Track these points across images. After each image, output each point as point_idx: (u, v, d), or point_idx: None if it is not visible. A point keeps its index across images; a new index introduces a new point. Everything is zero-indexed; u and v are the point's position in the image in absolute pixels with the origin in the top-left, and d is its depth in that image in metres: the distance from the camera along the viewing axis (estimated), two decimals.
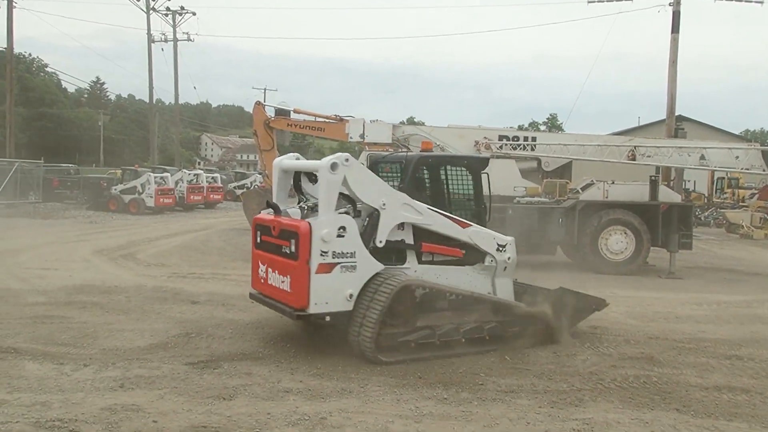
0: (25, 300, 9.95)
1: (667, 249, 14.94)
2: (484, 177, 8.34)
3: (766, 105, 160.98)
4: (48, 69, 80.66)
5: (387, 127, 17.38)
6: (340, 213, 7.11)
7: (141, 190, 28.96)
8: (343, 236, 6.88)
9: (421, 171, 8.29)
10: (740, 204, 31.83)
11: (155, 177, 29.44)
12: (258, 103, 19.63)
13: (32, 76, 72.55)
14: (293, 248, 6.89)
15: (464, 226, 7.71)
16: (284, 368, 6.86)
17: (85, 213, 27.84)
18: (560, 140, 17.02)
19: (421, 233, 7.54)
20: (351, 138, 17.85)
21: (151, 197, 28.85)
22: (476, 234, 7.78)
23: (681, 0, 23.71)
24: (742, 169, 15.63)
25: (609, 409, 5.93)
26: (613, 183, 15.60)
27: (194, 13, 45.25)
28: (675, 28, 23.64)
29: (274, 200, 7.79)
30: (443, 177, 8.39)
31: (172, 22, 44.68)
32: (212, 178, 36.90)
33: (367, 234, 7.21)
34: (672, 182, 21.29)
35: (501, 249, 7.88)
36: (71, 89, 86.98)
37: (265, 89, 66.66)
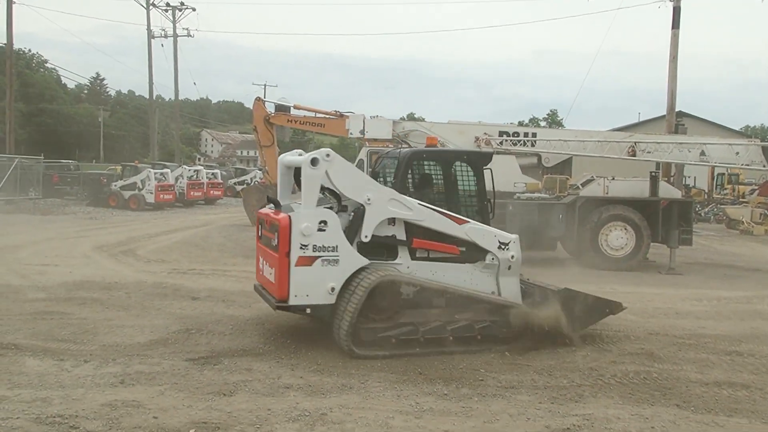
0: (25, 296, 9.95)
1: (667, 245, 14.95)
2: (486, 173, 8.11)
3: (767, 101, 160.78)
4: (48, 65, 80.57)
5: (387, 123, 17.34)
6: (325, 208, 7.25)
7: (141, 186, 28.96)
8: (324, 230, 7.02)
9: (414, 167, 8.10)
10: (740, 200, 31.82)
11: (155, 173, 29.44)
12: (258, 99, 19.58)
13: (32, 72, 72.36)
14: (275, 241, 7.11)
15: (460, 222, 7.52)
16: (285, 364, 6.86)
17: (85, 209, 27.85)
18: (560, 136, 17.00)
19: (415, 229, 7.46)
20: (351, 134, 17.80)
21: (151, 193, 28.85)
22: (474, 231, 7.57)
23: None
24: (742, 165, 15.63)
25: (609, 405, 5.93)
26: (613, 179, 15.58)
27: (194, 9, 45.05)
28: (675, 24, 23.57)
29: (279, 196, 7.89)
30: (440, 173, 8.27)
31: (171, 18, 44.67)
32: (212, 174, 36.88)
33: (353, 229, 7.30)
34: (672, 178, 21.32)
35: (503, 247, 7.63)
36: (71, 85, 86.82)
37: (265, 85, 66.77)
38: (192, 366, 6.73)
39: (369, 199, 7.24)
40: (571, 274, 12.23)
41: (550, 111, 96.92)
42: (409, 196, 7.56)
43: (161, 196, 29.32)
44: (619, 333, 8.41)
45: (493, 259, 7.64)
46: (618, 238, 14.84)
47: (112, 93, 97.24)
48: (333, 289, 7.05)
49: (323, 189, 7.41)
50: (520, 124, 35.46)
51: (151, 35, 43.04)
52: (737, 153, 15.20)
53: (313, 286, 7.02)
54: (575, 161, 19.52)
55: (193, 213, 29.12)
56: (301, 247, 6.95)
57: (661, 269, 14.76)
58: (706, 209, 31.37)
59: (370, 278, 7.02)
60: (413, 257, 7.56)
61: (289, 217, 7.01)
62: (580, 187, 16.16)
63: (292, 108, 18.89)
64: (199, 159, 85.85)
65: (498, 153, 16.23)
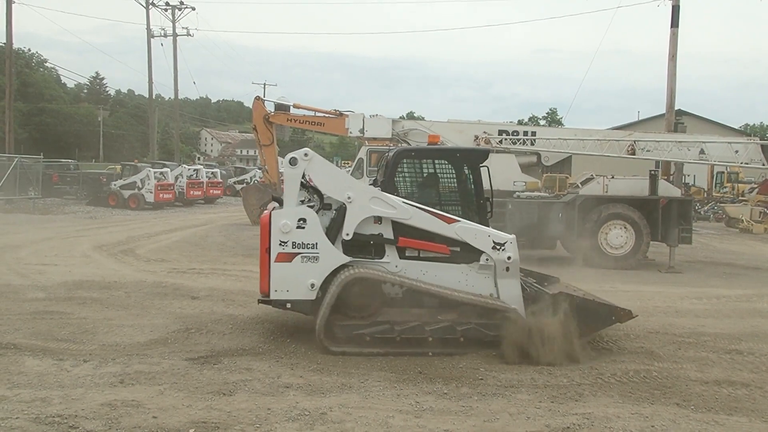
0: (25, 296, 9.95)
1: (666, 243, 14.95)
2: (483, 171, 7.89)
3: (766, 100, 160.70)
4: (47, 64, 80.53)
5: (386, 122, 17.34)
6: (308, 206, 7.41)
7: (140, 186, 28.95)
8: (303, 228, 7.23)
9: (402, 165, 7.97)
10: (740, 198, 31.80)
11: (155, 172, 29.41)
12: (257, 98, 19.55)
13: (32, 72, 72.28)
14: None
15: (449, 221, 7.35)
16: (284, 363, 6.86)
17: (84, 208, 27.82)
18: (560, 135, 16.99)
19: (403, 228, 7.42)
20: (351, 133, 17.80)
21: (151, 192, 28.83)
22: (465, 230, 7.36)
23: None
24: (741, 163, 15.59)
25: (609, 404, 5.93)
26: (612, 177, 15.59)
27: (193, 8, 44.94)
28: (674, 23, 23.52)
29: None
30: (431, 171, 8.09)
31: (171, 17, 44.60)
32: (212, 173, 36.86)
33: (336, 227, 7.39)
34: (671, 177, 21.26)
35: (498, 247, 7.35)
36: (71, 85, 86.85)
37: (264, 84, 66.57)
38: (191, 365, 6.72)
39: (349, 198, 7.32)
40: (570, 273, 12.22)
41: (550, 110, 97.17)
42: (398, 194, 7.53)
43: (161, 195, 29.30)
44: (619, 331, 8.40)
45: (487, 260, 7.40)
46: (617, 237, 14.84)
47: (112, 92, 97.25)
48: (313, 285, 7.24)
49: (309, 188, 7.58)
50: (520, 123, 35.48)
51: (150, 34, 42.94)
52: (736, 151, 15.18)
53: (292, 281, 7.25)
54: (575, 160, 19.48)
55: (192, 212, 29.10)
56: (280, 244, 7.21)
57: (660, 268, 14.76)
58: (706, 208, 31.38)
59: (343, 275, 7.13)
60: (402, 256, 7.51)
61: (270, 214, 7.28)
62: (580, 185, 16.16)
63: (291, 107, 18.87)
64: (199, 158, 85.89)
65: (497, 152, 16.27)
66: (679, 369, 7.02)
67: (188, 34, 45.21)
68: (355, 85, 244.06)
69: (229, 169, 52.35)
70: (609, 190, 15.29)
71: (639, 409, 5.80)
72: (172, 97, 48.79)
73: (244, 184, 36.70)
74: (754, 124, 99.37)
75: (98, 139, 70.09)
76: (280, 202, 7.66)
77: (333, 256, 7.31)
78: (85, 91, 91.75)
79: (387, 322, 7.16)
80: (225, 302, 9.78)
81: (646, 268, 14.68)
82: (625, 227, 14.85)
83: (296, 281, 7.25)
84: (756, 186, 30.95)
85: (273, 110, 18.86)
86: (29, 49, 78.79)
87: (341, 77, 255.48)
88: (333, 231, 7.42)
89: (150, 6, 42.82)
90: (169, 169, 31.40)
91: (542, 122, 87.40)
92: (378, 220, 7.42)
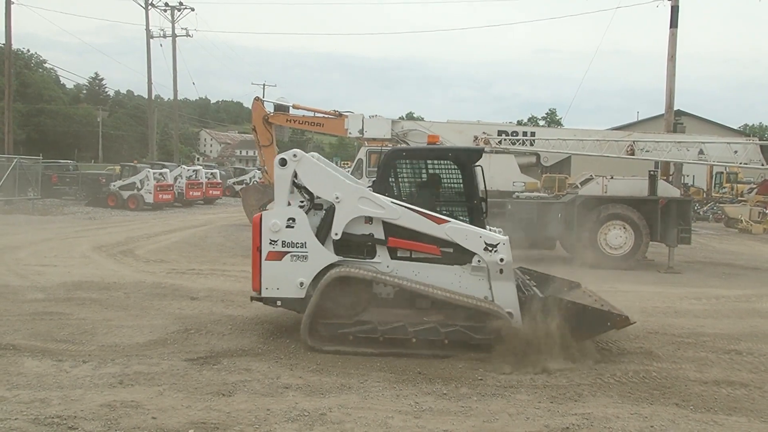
0: (24, 297, 9.94)
1: (665, 244, 14.96)
2: (477, 171, 7.68)
3: (765, 100, 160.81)
4: (46, 65, 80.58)
5: (386, 123, 17.36)
6: (299, 206, 7.53)
7: (140, 186, 28.92)
8: (292, 227, 7.37)
9: (394, 165, 7.85)
10: (739, 198, 31.84)
11: (154, 173, 29.39)
12: (257, 99, 19.58)
13: (31, 72, 72.30)
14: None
15: (439, 222, 7.23)
16: (284, 364, 6.86)
17: (83, 209, 27.81)
18: (559, 135, 16.99)
19: (394, 229, 7.39)
20: (350, 133, 17.82)
21: (150, 193, 28.81)
22: (455, 231, 7.21)
23: None
24: (740, 163, 15.61)
25: (608, 404, 5.93)
26: (612, 178, 15.59)
27: (192, 9, 44.92)
28: (673, 23, 23.54)
29: None
30: (423, 171, 7.98)
31: (170, 18, 44.57)
32: (211, 173, 36.84)
33: (326, 226, 7.45)
34: (671, 177, 21.29)
35: (490, 249, 7.15)
36: (70, 85, 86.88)
37: (264, 85, 66.50)
38: (191, 366, 6.72)
39: (338, 198, 7.36)
40: (570, 273, 12.21)
41: (549, 110, 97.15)
42: (390, 195, 7.50)
43: (160, 196, 29.29)
44: (618, 332, 8.39)
45: (479, 261, 7.23)
46: (617, 237, 14.85)
47: (111, 93, 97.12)
48: (302, 283, 7.34)
49: (300, 188, 7.65)
50: (519, 123, 35.50)
51: (149, 35, 42.91)
52: (735, 152, 15.19)
53: (282, 279, 7.39)
54: (574, 160, 19.50)
55: (192, 213, 29.09)
56: (270, 243, 7.38)
57: (659, 268, 14.77)
58: (705, 208, 31.40)
59: (327, 274, 7.20)
60: (394, 257, 7.49)
61: (261, 214, 7.53)
62: (579, 186, 16.16)
63: (290, 107, 18.90)
64: (198, 159, 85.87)
65: (497, 152, 16.28)
66: (678, 369, 7.03)
67: (187, 35, 45.18)
68: (354, 86, 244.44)
69: (228, 169, 52.34)
70: (608, 190, 15.29)
71: (638, 410, 5.80)
72: (172, 97, 48.82)
73: (244, 185, 36.70)
74: (753, 125, 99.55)
75: (97, 139, 70.06)
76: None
77: (322, 256, 7.39)
78: (84, 91, 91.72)
79: (370, 322, 7.16)
80: (224, 303, 9.78)
81: (645, 269, 14.69)
82: (624, 227, 14.86)
83: (286, 279, 7.38)
84: (755, 186, 31.00)
85: (272, 111, 18.89)
86: (28, 50, 78.95)
87: (341, 78, 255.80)
88: (323, 231, 7.48)
89: (149, 7, 42.83)
90: (168, 170, 31.39)
91: (541, 123, 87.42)
92: (369, 220, 7.42)
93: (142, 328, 8.19)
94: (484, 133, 16.40)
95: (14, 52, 43.46)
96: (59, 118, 68.30)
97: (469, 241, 7.21)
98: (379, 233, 7.44)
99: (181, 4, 44.27)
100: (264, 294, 7.49)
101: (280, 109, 18.86)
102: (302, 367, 6.74)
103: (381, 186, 7.64)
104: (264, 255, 7.41)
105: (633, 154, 15.54)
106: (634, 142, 15.67)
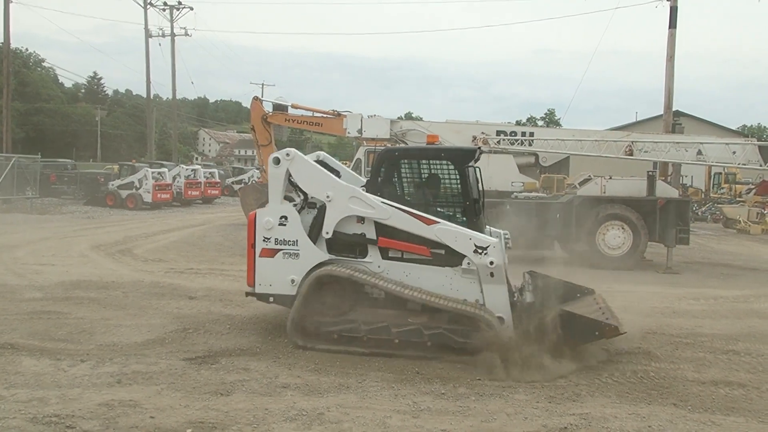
0: (22, 296, 9.93)
1: (664, 244, 14.97)
2: (470, 171, 7.57)
3: (763, 101, 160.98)
4: (45, 64, 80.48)
5: (385, 122, 17.38)
6: (293, 204, 7.64)
7: (138, 186, 28.89)
8: (284, 225, 7.51)
9: (387, 165, 7.74)
10: (737, 199, 31.86)
11: (153, 172, 29.36)
12: (255, 99, 19.59)
13: (29, 71, 72.23)
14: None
15: (429, 222, 7.13)
16: (282, 363, 6.86)
17: (82, 208, 27.78)
18: (558, 135, 17.03)
19: (384, 228, 7.37)
20: (349, 133, 17.85)
21: (149, 192, 28.78)
22: (445, 232, 7.09)
23: None
24: (739, 164, 15.62)
25: (606, 404, 5.94)
26: (610, 178, 15.60)
27: (191, 8, 44.82)
28: (672, 24, 23.58)
29: None
30: (417, 171, 7.85)
31: (169, 17, 44.54)
32: (210, 173, 36.82)
33: (318, 225, 7.52)
34: (669, 177, 21.33)
35: (480, 251, 6.99)
36: (68, 84, 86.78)
37: (263, 84, 66.66)
38: (189, 365, 6.72)
39: (329, 197, 7.41)
40: (568, 274, 12.22)
41: (548, 110, 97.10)
42: (383, 195, 7.47)
43: (158, 195, 29.25)
44: None
45: (469, 263, 7.08)
46: (615, 238, 14.86)
47: (110, 92, 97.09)
48: (293, 280, 7.42)
49: (296, 187, 7.74)
50: (518, 123, 35.55)
51: (148, 34, 42.90)
52: (734, 152, 15.21)
53: (275, 276, 7.52)
54: (572, 160, 19.46)
55: (190, 212, 29.06)
56: (264, 240, 7.54)
57: (658, 268, 14.78)
58: (703, 208, 31.42)
59: (314, 272, 7.28)
60: (385, 257, 7.47)
61: (256, 212, 7.67)
62: (578, 186, 16.18)
63: (289, 107, 18.92)
64: (197, 158, 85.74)
65: (495, 152, 16.30)
66: (677, 369, 7.03)
67: (186, 34, 45.09)
68: (354, 86, 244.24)
69: (227, 169, 52.32)
70: (607, 190, 15.30)
71: (636, 410, 5.81)
72: (170, 97, 48.83)
73: (242, 184, 36.68)
74: (752, 125, 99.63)
75: (96, 138, 70.03)
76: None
77: (312, 254, 7.47)
78: (83, 90, 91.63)
79: (355, 321, 7.18)
80: (222, 302, 9.77)
81: (643, 269, 14.70)
82: (622, 228, 14.87)
83: (278, 276, 7.50)
84: (753, 187, 31.05)
85: (271, 110, 18.90)
86: (27, 49, 78.82)
87: (341, 77, 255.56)
88: (316, 229, 7.54)
89: (148, 6, 42.81)
90: (166, 169, 31.36)
91: (540, 123, 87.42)
92: (361, 219, 7.44)
93: (140, 328, 8.18)
94: (482, 133, 16.42)
95: (13, 51, 43.40)
96: (58, 117, 68.26)
97: (458, 243, 7.08)
98: (371, 233, 7.45)
99: (179, 3, 44.23)
100: (257, 290, 7.64)
101: (279, 108, 18.89)
102: (300, 367, 6.74)
103: (374, 186, 7.64)
104: (258, 252, 7.56)
105: (631, 155, 15.57)
106: (632, 142, 15.70)
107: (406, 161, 7.83)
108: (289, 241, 7.49)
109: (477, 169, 7.84)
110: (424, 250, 7.31)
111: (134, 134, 75.69)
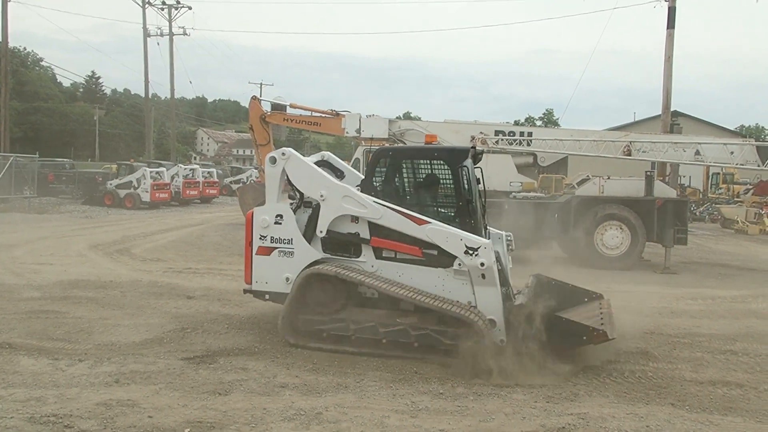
0: (20, 295, 9.92)
1: (662, 244, 14.98)
2: (464, 171, 7.38)
3: (762, 101, 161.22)
4: (43, 63, 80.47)
5: (383, 122, 17.36)
6: (291, 203, 7.73)
7: (136, 185, 28.85)
8: (280, 223, 7.63)
9: (381, 165, 7.70)
10: (735, 199, 31.89)
11: (151, 172, 29.32)
12: (254, 98, 19.56)
13: (27, 70, 72.19)
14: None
15: (420, 222, 7.08)
16: (280, 363, 6.86)
17: (80, 208, 27.74)
18: (556, 135, 17.02)
19: (377, 228, 7.36)
20: (347, 133, 17.84)
21: (147, 192, 28.73)
22: (436, 233, 7.02)
23: None
24: (737, 164, 15.63)
25: (604, 404, 5.95)
26: (608, 178, 15.62)
27: (190, 8, 44.73)
28: (670, 24, 23.59)
29: None
30: (409, 171, 7.79)
31: (167, 16, 44.48)
32: (208, 172, 36.79)
33: (312, 224, 7.57)
34: (667, 177, 21.34)
35: (471, 252, 6.88)
36: (66, 83, 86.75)
37: (261, 84, 66.40)
38: (187, 365, 6.72)
39: (322, 196, 7.46)
40: (566, 274, 12.23)
41: (546, 110, 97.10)
42: (377, 194, 7.47)
43: (157, 194, 29.21)
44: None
45: (460, 265, 6.97)
46: (613, 238, 14.87)
47: (108, 91, 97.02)
48: (288, 279, 7.49)
49: (293, 185, 7.79)
50: (516, 123, 35.57)
51: (147, 34, 42.85)
52: (732, 152, 15.21)
53: (271, 274, 7.63)
54: (571, 161, 19.45)
55: (188, 212, 29.04)
56: (260, 238, 7.66)
57: (656, 268, 14.80)
58: (701, 208, 31.44)
59: (304, 271, 7.35)
60: (379, 256, 7.46)
61: (253, 210, 7.80)
62: (576, 186, 16.19)
63: (288, 107, 18.89)
64: (195, 158, 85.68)
65: (494, 152, 16.29)
66: (674, 369, 7.05)
67: (185, 34, 45.00)
68: (354, 86, 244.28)
69: (225, 168, 52.26)
70: (605, 190, 15.32)
71: (634, 409, 5.82)
72: (169, 96, 48.77)
73: (241, 184, 36.65)
74: (750, 126, 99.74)
75: (94, 138, 70.01)
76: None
77: (307, 252, 7.54)
78: (81, 90, 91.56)
79: (344, 320, 7.19)
80: (221, 302, 9.77)
81: (641, 269, 14.72)
82: (620, 228, 14.88)
83: (274, 274, 7.60)
84: (751, 187, 31.05)
85: (269, 110, 18.87)
86: (25, 48, 78.80)
87: (340, 77, 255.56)
88: (311, 228, 7.59)
89: (146, 5, 42.74)
90: (165, 169, 31.32)
91: (538, 123, 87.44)
92: (355, 219, 7.45)
93: (139, 327, 8.18)
94: (481, 133, 16.41)
95: (11, 50, 43.33)
96: (56, 117, 68.19)
97: (449, 244, 7.00)
98: (365, 232, 7.45)
99: (178, 2, 44.14)
100: (255, 287, 7.75)
101: (278, 108, 18.86)
102: (298, 367, 6.74)
103: (368, 185, 7.65)
104: (255, 250, 7.69)
105: (630, 155, 15.57)
106: (630, 142, 15.69)
107: (399, 161, 7.81)
108: (285, 239, 7.59)
109: (479, 170, 7.80)
110: (416, 250, 7.26)
111: (132, 134, 75.65)
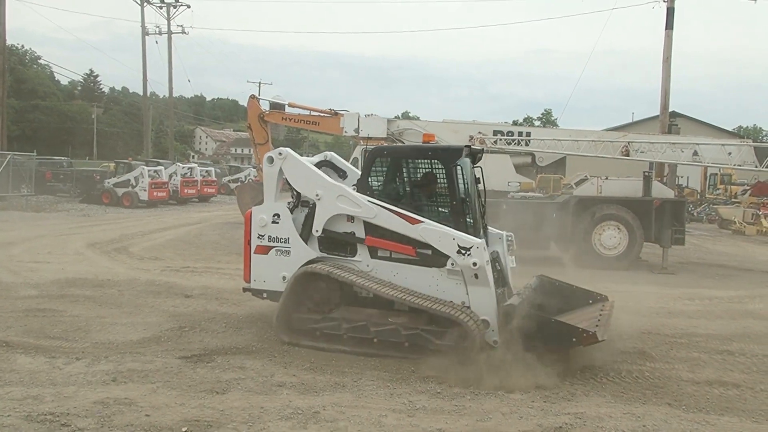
0: (17, 293, 9.91)
1: (659, 244, 15.01)
2: (458, 170, 7.33)
3: (761, 102, 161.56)
4: (41, 61, 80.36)
5: (382, 122, 17.35)
6: (288, 202, 7.80)
7: (134, 184, 28.82)
8: (277, 223, 7.72)
9: (376, 164, 7.66)
10: (732, 200, 31.96)
11: (149, 170, 29.29)
12: (252, 97, 19.54)
13: (25, 69, 72.11)
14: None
15: (414, 222, 7.05)
16: (278, 362, 6.86)
17: (78, 206, 27.70)
18: (554, 135, 17.03)
19: (372, 227, 7.36)
20: (346, 132, 17.83)
21: (145, 190, 28.70)
22: (429, 232, 6.99)
23: None
24: (734, 165, 15.67)
25: (601, 404, 5.95)
26: (606, 178, 15.65)
27: (188, 6, 44.69)
28: (669, 25, 23.61)
29: None
30: (404, 170, 7.78)
31: (166, 15, 44.43)
32: (206, 171, 36.78)
33: (309, 223, 7.63)
34: (665, 178, 21.36)
35: (463, 252, 6.81)
36: (64, 82, 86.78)
37: (259, 83, 66.25)
38: (185, 364, 6.72)
39: (318, 195, 7.50)
40: (564, 274, 12.24)
41: (545, 110, 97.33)
42: (372, 194, 7.46)
43: (155, 193, 29.19)
44: (611, 332, 8.40)
45: (453, 264, 6.92)
46: (611, 238, 14.89)
47: (106, 90, 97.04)
48: (284, 277, 7.55)
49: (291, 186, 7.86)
50: (515, 123, 35.57)
51: (145, 32, 42.81)
52: (730, 153, 15.24)
53: (268, 273, 7.73)
54: (569, 161, 19.54)
55: (186, 210, 29.02)
56: (258, 237, 7.77)
57: (653, 268, 14.82)
58: (699, 209, 31.49)
59: (298, 270, 7.39)
60: (374, 256, 7.46)
61: (252, 209, 7.91)
62: (574, 186, 16.23)
63: (286, 106, 18.88)
64: (193, 156, 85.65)
65: (492, 152, 16.29)
66: (671, 369, 7.06)
67: (183, 32, 45.02)
68: (353, 85, 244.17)
69: (223, 167, 52.23)
70: (603, 191, 15.35)
71: (631, 409, 5.82)
72: (167, 94, 48.85)
73: (239, 183, 36.64)
74: (747, 126, 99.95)
75: (92, 136, 69.94)
76: None
77: (303, 251, 7.60)
78: (79, 88, 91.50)
79: (337, 319, 7.20)
80: (218, 301, 9.77)
81: (639, 269, 14.73)
82: (618, 228, 14.90)
83: (271, 273, 7.70)
84: (749, 188, 31.15)
85: (268, 109, 18.86)
86: (23, 46, 78.68)
87: (339, 76, 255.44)
88: (307, 227, 7.64)
89: (145, 3, 42.68)
90: (163, 167, 31.29)
91: (537, 123, 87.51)
92: (351, 218, 7.47)
93: (136, 326, 8.17)
94: (479, 132, 16.42)
95: (8, 48, 43.26)
96: (54, 115, 68.13)
97: (442, 243, 6.95)
98: (360, 232, 7.46)
99: (176, 0, 44.12)
100: (253, 285, 7.86)
101: (276, 107, 18.85)
102: (296, 366, 6.74)
103: (363, 185, 7.64)
104: (253, 248, 7.79)
105: (628, 155, 15.59)
106: (629, 143, 15.72)
107: (394, 160, 7.79)
108: (281, 238, 7.67)
109: (479, 170, 7.78)
110: (409, 249, 7.24)
111: (130, 132, 75.56)
